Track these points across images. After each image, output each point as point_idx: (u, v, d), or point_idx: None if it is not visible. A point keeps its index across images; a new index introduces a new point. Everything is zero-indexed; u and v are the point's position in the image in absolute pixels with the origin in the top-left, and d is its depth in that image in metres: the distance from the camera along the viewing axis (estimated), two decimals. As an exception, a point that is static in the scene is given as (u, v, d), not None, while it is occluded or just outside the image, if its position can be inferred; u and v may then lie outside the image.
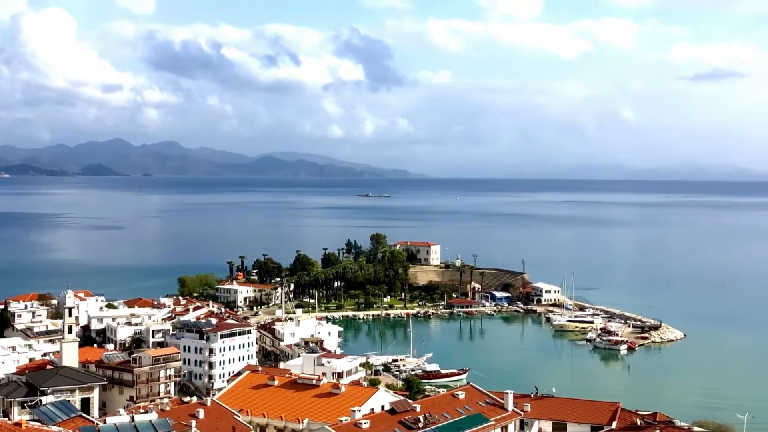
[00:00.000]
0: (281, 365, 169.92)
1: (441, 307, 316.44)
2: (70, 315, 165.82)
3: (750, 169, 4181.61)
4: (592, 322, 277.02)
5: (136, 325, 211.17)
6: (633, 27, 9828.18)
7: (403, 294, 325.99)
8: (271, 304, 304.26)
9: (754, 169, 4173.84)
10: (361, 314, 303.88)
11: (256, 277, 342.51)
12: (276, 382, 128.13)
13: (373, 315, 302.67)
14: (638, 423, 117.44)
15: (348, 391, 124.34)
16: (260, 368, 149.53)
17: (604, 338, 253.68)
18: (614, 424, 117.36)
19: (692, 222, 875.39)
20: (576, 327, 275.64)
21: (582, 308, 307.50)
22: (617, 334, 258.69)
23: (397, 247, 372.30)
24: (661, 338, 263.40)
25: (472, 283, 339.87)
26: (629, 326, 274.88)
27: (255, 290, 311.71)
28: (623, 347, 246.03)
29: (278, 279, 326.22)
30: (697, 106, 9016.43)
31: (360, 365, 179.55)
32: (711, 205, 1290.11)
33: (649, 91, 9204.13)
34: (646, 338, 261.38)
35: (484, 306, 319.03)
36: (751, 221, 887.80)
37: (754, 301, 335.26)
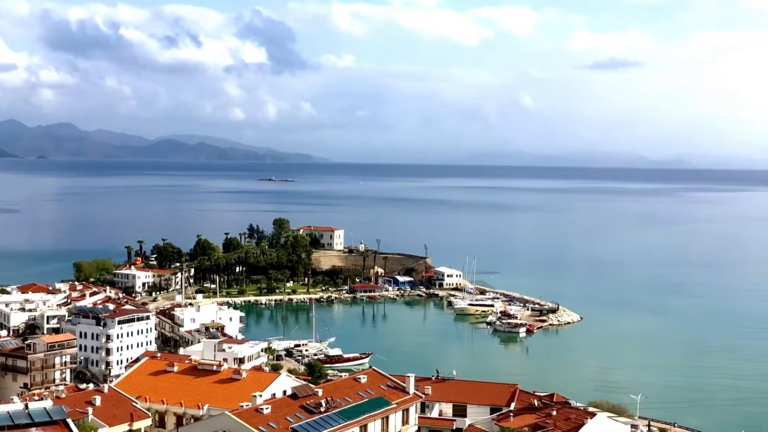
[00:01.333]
0: (181, 351, 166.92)
1: (344, 291, 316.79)
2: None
3: (645, 156, 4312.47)
4: (492, 306, 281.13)
5: (30, 311, 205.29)
6: (533, 15, 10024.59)
7: (306, 279, 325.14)
8: (170, 290, 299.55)
9: (650, 156, 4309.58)
10: (263, 299, 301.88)
11: (155, 262, 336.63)
12: (175, 368, 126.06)
13: (275, 300, 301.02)
14: (536, 404, 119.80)
15: (249, 377, 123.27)
16: (159, 354, 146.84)
17: (504, 321, 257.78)
18: (513, 406, 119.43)
19: (590, 207, 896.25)
20: (477, 310, 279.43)
21: (483, 292, 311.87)
22: (516, 318, 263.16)
23: (301, 231, 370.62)
24: (558, 321, 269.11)
25: (376, 267, 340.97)
26: (528, 309, 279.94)
27: (154, 275, 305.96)
28: (522, 330, 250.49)
29: (178, 264, 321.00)
30: (595, 94, 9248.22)
31: (262, 350, 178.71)
32: (608, 191, 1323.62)
33: (549, 79, 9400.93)
34: (544, 321, 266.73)
35: (387, 290, 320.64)
36: (645, 207, 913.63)
37: (647, 285, 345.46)
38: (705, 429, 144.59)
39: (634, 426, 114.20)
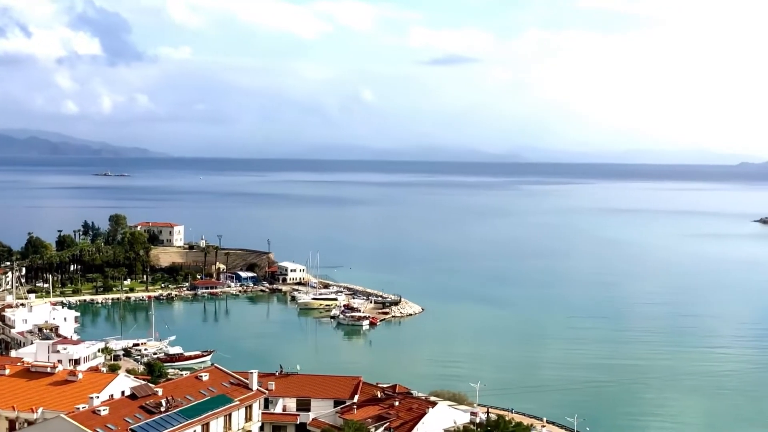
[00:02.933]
0: (13, 353, 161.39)
1: (185, 288, 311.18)
2: None
3: (483, 150, 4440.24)
4: (335, 300, 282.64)
5: None
6: (371, 10, 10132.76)
7: (144, 276, 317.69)
8: (0, 290, 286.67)
9: (487, 150, 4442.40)
10: (99, 298, 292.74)
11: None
12: (7, 371, 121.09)
13: (112, 299, 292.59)
14: (379, 395, 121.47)
15: (86, 378, 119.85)
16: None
17: (348, 314, 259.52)
18: (356, 398, 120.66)
19: (429, 201, 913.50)
20: (320, 305, 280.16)
21: (326, 286, 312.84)
22: (360, 311, 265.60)
23: (138, 228, 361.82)
24: (401, 313, 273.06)
25: (217, 263, 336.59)
26: (371, 302, 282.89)
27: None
28: (365, 323, 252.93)
29: (8, 263, 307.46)
30: (434, 89, 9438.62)
31: (99, 351, 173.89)
32: (447, 184, 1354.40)
33: (389, 74, 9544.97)
34: (386, 313, 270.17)
35: (230, 286, 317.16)
36: (482, 200, 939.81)
37: (485, 276, 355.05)
38: (540, 414, 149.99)
39: (473, 413, 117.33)
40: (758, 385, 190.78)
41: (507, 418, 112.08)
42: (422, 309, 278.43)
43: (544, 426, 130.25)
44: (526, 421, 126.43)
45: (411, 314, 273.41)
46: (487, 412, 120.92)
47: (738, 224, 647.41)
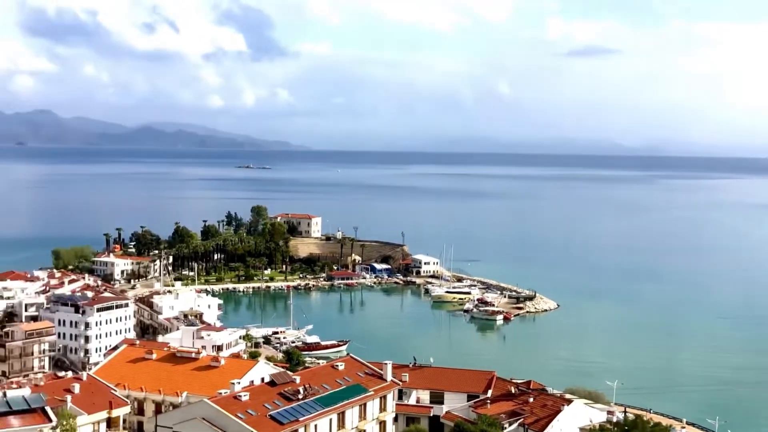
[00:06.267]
0: (159, 338, 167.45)
1: (322, 279, 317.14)
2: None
3: (620, 143, 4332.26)
4: (469, 293, 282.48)
5: (8, 299, 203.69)
6: (507, 2, 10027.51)
7: (283, 266, 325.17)
8: (149, 277, 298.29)
9: (624, 143, 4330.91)
10: (241, 287, 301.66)
11: (133, 250, 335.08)
12: (154, 356, 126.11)
13: (253, 287, 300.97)
14: (513, 391, 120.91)
15: (227, 364, 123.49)
16: (138, 342, 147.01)
17: (481, 309, 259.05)
18: (490, 393, 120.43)
19: (565, 195, 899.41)
20: (454, 298, 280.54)
21: (460, 279, 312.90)
22: (494, 305, 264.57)
23: (278, 219, 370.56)
24: (535, 308, 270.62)
25: (353, 255, 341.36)
26: (505, 297, 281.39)
27: (133, 263, 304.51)
28: (499, 317, 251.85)
29: (156, 251, 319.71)
30: (571, 81, 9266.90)
31: (240, 338, 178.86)
32: (583, 178, 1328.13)
33: (525, 66, 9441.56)
34: (521, 308, 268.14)
35: (365, 278, 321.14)
36: (620, 194, 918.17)
37: (623, 272, 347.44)
38: (680, 415, 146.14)
39: (610, 412, 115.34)
40: None
41: (645, 418, 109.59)
42: (558, 305, 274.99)
43: (683, 428, 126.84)
44: (665, 421, 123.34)
45: (546, 310, 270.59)
46: (624, 412, 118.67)
47: None
